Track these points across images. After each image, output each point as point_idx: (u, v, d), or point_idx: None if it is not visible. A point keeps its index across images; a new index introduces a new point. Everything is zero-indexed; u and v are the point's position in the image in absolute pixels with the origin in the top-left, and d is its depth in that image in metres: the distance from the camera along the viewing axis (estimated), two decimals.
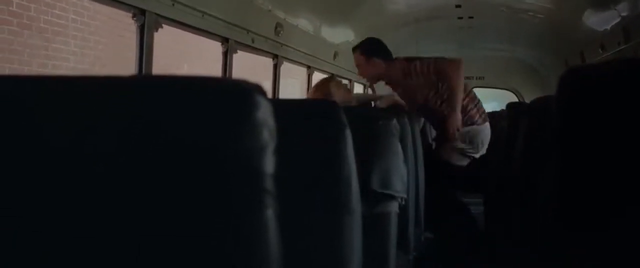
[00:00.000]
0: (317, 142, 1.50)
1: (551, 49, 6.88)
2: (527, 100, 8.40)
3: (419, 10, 5.80)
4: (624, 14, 4.06)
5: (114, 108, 0.88)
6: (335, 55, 5.45)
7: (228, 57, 3.21)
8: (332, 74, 5.80)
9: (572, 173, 0.99)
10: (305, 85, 4.99)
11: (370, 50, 3.76)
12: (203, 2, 2.80)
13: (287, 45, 4.07)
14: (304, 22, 4.36)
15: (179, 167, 0.84)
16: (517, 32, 6.58)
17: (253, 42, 3.48)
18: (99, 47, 5.90)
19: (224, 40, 3.17)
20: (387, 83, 3.91)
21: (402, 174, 2.10)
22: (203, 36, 2.97)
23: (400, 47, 7.37)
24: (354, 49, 3.85)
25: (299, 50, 4.41)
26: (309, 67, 4.88)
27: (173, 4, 2.54)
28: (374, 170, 2.00)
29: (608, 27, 4.54)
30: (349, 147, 1.50)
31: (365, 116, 2.13)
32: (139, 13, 2.35)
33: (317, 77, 5.27)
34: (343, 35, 5.60)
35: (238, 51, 3.32)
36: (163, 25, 2.51)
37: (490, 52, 7.00)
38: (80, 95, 0.86)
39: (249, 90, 0.89)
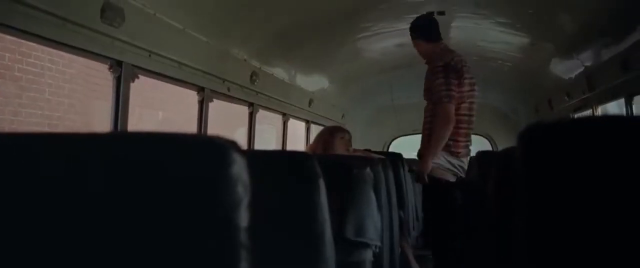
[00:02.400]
0: (292, 193, 1.53)
1: (521, 96, 7.07)
2: (499, 146, 8.57)
3: (394, 59, 5.94)
4: (587, 64, 4.23)
5: (95, 164, 0.90)
6: (311, 102, 5.53)
7: (204, 105, 3.25)
8: (308, 120, 5.87)
9: (538, 224, 1.07)
10: (281, 132, 5.03)
11: (417, 31, 3.73)
12: (180, 53, 2.85)
13: (262, 93, 4.13)
14: (279, 71, 4.43)
15: (156, 221, 0.86)
16: (488, 80, 6.74)
17: (229, 90, 3.53)
18: (75, 95, 5.90)
19: (200, 90, 3.21)
20: (427, 62, 3.68)
21: (375, 222, 2.13)
22: (179, 86, 3.01)
23: (374, 92, 7.53)
24: (413, 32, 3.78)
25: (275, 98, 4.47)
26: (284, 114, 4.93)
27: (150, 55, 2.58)
28: (349, 219, 2.03)
29: (572, 76, 4.70)
30: (322, 197, 1.53)
31: (339, 165, 2.17)
32: (116, 64, 2.38)
33: (292, 123, 5.33)
34: (318, 83, 5.70)
35: (214, 100, 3.37)
36: (139, 75, 2.54)
37: None
38: (66, 151, 0.89)
39: (224, 147, 0.93)
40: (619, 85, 3.74)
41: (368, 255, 2.08)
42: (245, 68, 3.76)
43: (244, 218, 0.89)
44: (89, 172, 0.91)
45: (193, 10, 2.88)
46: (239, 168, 0.92)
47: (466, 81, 3.48)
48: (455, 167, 3.51)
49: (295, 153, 1.63)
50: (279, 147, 5.12)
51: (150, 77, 2.67)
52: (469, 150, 3.64)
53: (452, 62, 3.46)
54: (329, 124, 6.98)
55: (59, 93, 5.81)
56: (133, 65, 2.47)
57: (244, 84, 3.77)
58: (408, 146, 8.78)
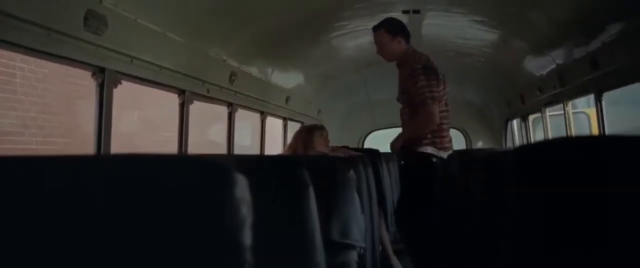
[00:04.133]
0: (282, 201, 1.57)
1: (495, 91, 7.21)
2: (473, 139, 8.72)
3: (369, 56, 5.99)
4: (558, 61, 4.34)
5: (102, 187, 0.93)
6: (288, 99, 5.57)
7: (185, 108, 3.26)
8: (285, 118, 5.91)
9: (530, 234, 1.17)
10: (259, 129, 5.06)
11: (395, 29, 3.74)
12: (160, 57, 2.86)
13: (241, 93, 4.15)
14: (257, 70, 4.46)
15: (160, 244, 0.90)
16: (463, 75, 6.86)
17: (208, 92, 3.54)
18: (48, 95, 5.82)
19: (181, 92, 3.22)
20: (398, 64, 3.82)
21: (359, 223, 2.19)
22: (160, 89, 3.02)
23: (350, 88, 7.59)
24: (378, 27, 3.76)
25: (253, 97, 4.49)
26: (262, 113, 4.95)
27: (131, 61, 2.59)
28: (334, 221, 2.08)
29: (544, 72, 4.83)
30: (312, 204, 1.58)
31: (324, 168, 2.22)
32: (99, 71, 2.38)
33: (270, 120, 5.36)
34: (295, 80, 5.73)
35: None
36: (122, 81, 2.55)
37: None
38: (70, 173, 0.92)
39: (226, 168, 0.97)
40: (589, 81, 3.86)
41: (353, 256, 2.13)
42: (225, 68, 3.78)
43: (248, 237, 0.93)
44: (94, 195, 0.94)
45: (173, 13, 2.89)
46: (242, 189, 0.96)
47: (442, 80, 3.68)
48: (442, 158, 3.64)
49: (285, 161, 1.67)
50: (257, 144, 5.15)
51: (132, 82, 2.67)
52: (451, 143, 3.80)
53: (428, 63, 3.63)
54: (305, 120, 7.03)
55: (32, 93, 5.73)
56: (116, 71, 2.48)
57: (223, 85, 3.78)
58: (384, 140, 8.91)
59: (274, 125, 5.73)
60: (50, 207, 0.93)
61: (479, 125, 8.59)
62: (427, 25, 4.82)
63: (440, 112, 3.60)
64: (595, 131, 7.37)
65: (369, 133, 8.96)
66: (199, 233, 0.93)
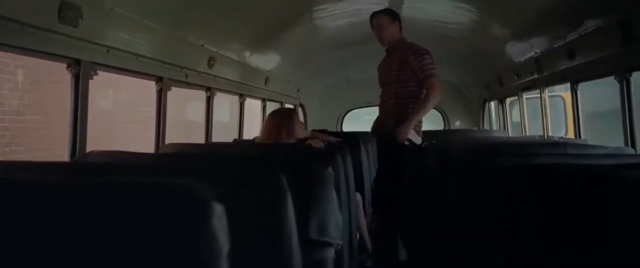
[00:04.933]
0: (259, 207, 1.57)
1: (473, 72, 7.24)
2: (451, 118, 8.79)
3: (348, 36, 5.97)
4: (536, 49, 4.38)
5: (80, 216, 0.93)
6: (267, 80, 5.54)
7: (163, 95, 3.23)
8: (264, 98, 5.88)
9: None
10: (237, 111, 5.04)
11: (394, 16, 4.09)
12: (138, 45, 2.82)
13: (220, 77, 4.11)
14: (236, 53, 4.41)
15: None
16: (442, 56, 6.87)
17: (187, 77, 3.51)
18: (20, 72, 5.71)
19: (159, 79, 3.18)
20: (390, 49, 4.15)
21: (337, 220, 2.20)
22: (137, 77, 2.98)
23: (329, 67, 7.57)
24: (378, 12, 4.09)
25: (232, 80, 4.46)
26: (240, 95, 4.93)
27: (108, 50, 2.55)
28: (311, 219, 2.09)
29: (522, 59, 4.86)
30: (290, 210, 1.58)
31: (301, 165, 2.22)
32: (74, 63, 2.34)
33: (249, 101, 5.34)
34: (274, 61, 5.69)
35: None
36: (98, 71, 2.51)
37: None
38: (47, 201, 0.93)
39: (204, 199, 0.97)
40: (565, 71, 3.91)
41: (330, 253, 2.15)
42: (203, 53, 3.74)
43: (225, 244, 0.94)
44: (76, 222, 0.94)
45: (149, 1, 2.83)
46: (219, 219, 0.97)
47: None
48: (417, 141, 3.98)
49: (263, 167, 1.67)
50: (235, 123, 5.13)
51: (108, 71, 2.63)
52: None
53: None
54: (285, 100, 7.01)
55: (4, 70, 5.61)
56: (92, 62, 2.44)
57: (202, 69, 3.75)
58: (362, 118, 8.93)
59: (253, 101, 5.69)
60: (29, 234, 0.94)
61: (457, 105, 8.65)
62: (408, 8, 4.80)
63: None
64: (570, 115, 7.49)
65: (348, 111, 8.98)
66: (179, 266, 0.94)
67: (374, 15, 4.09)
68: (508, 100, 6.60)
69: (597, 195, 1.42)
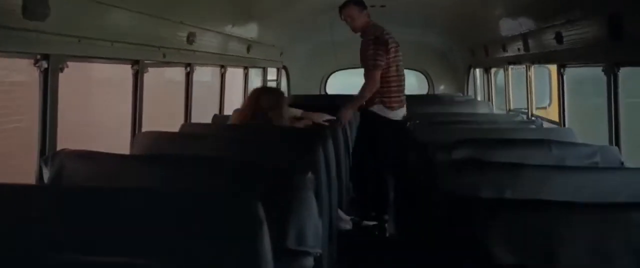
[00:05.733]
0: (235, 237, 1.52)
1: (458, 37, 7.14)
2: (435, 82, 8.73)
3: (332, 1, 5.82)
4: (524, 27, 4.28)
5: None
6: (249, 48, 5.39)
7: (139, 78, 3.11)
8: (246, 66, 5.75)
9: None
10: (218, 83, 4.92)
11: (361, 4, 4.41)
12: (112, 31, 2.69)
13: (200, 51, 3.98)
14: (217, 25, 4.26)
15: None
16: (427, 21, 6.77)
17: (164, 56, 3.38)
18: None
19: (134, 63, 3.06)
20: (361, 35, 4.44)
21: (317, 228, 2.16)
22: (112, 63, 2.86)
23: (314, 31, 7.41)
24: (344, 5, 4.42)
25: (213, 53, 4.33)
26: (222, 67, 4.80)
27: (79, 40, 2.42)
28: (289, 228, 2.04)
29: (509, 34, 4.77)
30: (266, 241, 1.53)
31: (280, 171, 2.17)
32: (42, 58, 2.22)
33: (230, 71, 5.22)
34: (257, 28, 5.54)
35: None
36: (68, 64, 2.39)
37: (402, 36, 7.10)
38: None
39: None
40: (553, 53, 3.84)
41: (309, 262, 2.12)
42: (182, 30, 3.60)
43: None
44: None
45: None
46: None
47: (392, 49, 4.31)
48: (388, 116, 4.34)
49: (240, 198, 1.60)
50: (215, 97, 5.03)
51: (80, 62, 2.52)
52: (403, 103, 4.42)
53: (381, 35, 4.29)
54: (268, 64, 6.87)
55: None
56: (62, 55, 2.32)
57: (181, 46, 3.62)
58: (345, 80, 8.83)
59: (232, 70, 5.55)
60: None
61: (441, 69, 8.58)
62: None
63: (391, 76, 4.30)
64: (554, 86, 7.46)
65: (332, 73, 8.86)
66: None
67: (343, 7, 4.41)
68: (493, 70, 6.54)
69: None
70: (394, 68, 4.30)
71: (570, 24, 3.35)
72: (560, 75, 3.84)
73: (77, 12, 2.35)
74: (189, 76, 3.93)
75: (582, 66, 3.57)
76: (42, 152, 2.29)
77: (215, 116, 4.09)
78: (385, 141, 4.36)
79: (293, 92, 8.06)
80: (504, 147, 2.76)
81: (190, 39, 3.71)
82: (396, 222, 4.42)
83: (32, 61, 2.21)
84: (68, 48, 2.36)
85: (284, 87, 7.98)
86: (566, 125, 3.82)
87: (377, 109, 4.31)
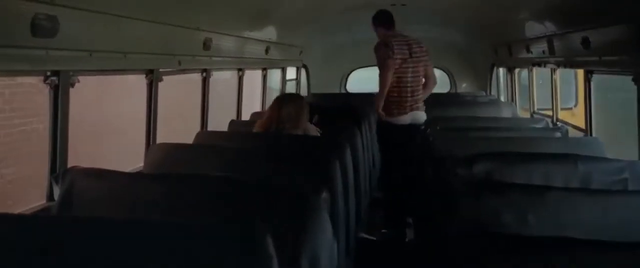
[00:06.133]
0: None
1: (481, 36, 6.98)
2: (457, 79, 8.58)
3: (351, 1, 5.72)
4: (551, 30, 4.15)
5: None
6: (268, 49, 5.32)
7: (153, 87, 3.07)
8: (265, 67, 5.69)
9: None
10: (236, 87, 4.87)
11: (375, 20, 4.76)
12: (124, 42, 2.64)
13: (217, 56, 3.93)
14: (234, 28, 4.20)
15: None
16: (449, 19, 6.64)
17: (180, 64, 3.34)
18: None
19: (149, 72, 3.02)
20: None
21: (331, 250, 2.10)
22: (125, 74, 2.82)
23: (333, 30, 7.31)
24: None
25: (231, 57, 4.27)
26: (239, 70, 4.74)
27: (90, 54, 2.38)
28: (303, 254, 1.98)
29: (534, 35, 4.63)
30: None
31: (293, 192, 2.10)
32: (52, 74, 2.18)
33: (248, 74, 5.16)
34: (275, 28, 5.47)
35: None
36: (79, 78, 2.35)
37: (423, 33, 6.99)
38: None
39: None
40: (580, 59, 3.70)
41: None
42: (198, 36, 3.54)
43: None
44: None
45: None
46: None
47: (398, 58, 4.41)
48: (389, 120, 4.51)
49: (248, 229, 1.53)
50: (233, 101, 4.98)
51: (92, 75, 2.48)
52: (406, 109, 4.47)
53: (388, 41, 4.48)
54: (287, 64, 6.81)
55: None
56: (72, 70, 2.27)
57: (197, 53, 3.57)
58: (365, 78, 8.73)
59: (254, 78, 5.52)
60: None
61: (463, 66, 8.41)
62: None
63: (392, 86, 4.42)
64: (580, 86, 7.26)
65: (352, 70, 8.76)
66: None
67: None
68: (517, 70, 6.38)
69: None
70: (394, 79, 4.43)
71: (598, 30, 3.22)
72: (587, 81, 3.70)
73: (87, 25, 2.31)
74: (205, 82, 3.88)
75: (610, 74, 3.41)
76: (52, 169, 2.25)
77: (232, 122, 4.03)
78: (390, 145, 4.60)
79: (313, 91, 7.99)
80: (527, 162, 2.65)
81: (207, 44, 3.66)
82: (415, 230, 4.36)
83: (42, 78, 2.17)
84: (79, 63, 2.32)
85: (303, 85, 7.92)
86: (593, 134, 3.69)
87: (382, 113, 4.53)
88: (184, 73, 3.53)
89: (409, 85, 4.47)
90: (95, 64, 2.43)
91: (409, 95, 4.46)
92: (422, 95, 4.55)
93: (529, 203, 2.03)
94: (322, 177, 2.58)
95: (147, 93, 3.06)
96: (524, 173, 2.59)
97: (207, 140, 3.25)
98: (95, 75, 2.52)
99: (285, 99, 3.53)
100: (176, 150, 2.80)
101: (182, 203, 2.07)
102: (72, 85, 2.30)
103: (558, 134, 3.72)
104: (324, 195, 2.11)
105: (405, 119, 4.46)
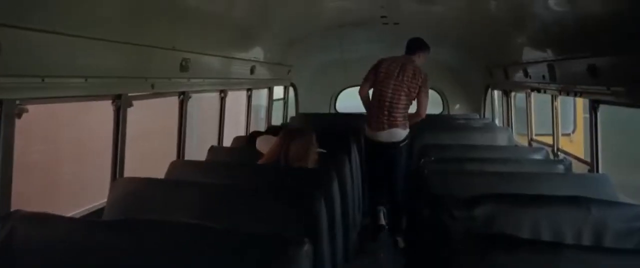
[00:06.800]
0: None
1: (475, 57, 6.76)
2: (450, 100, 8.34)
3: (343, 18, 5.48)
4: (551, 56, 3.91)
5: None
6: (253, 69, 5.04)
7: (121, 114, 2.78)
8: (250, 88, 5.41)
9: None
10: (218, 109, 4.57)
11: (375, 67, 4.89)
12: (86, 65, 2.35)
13: (196, 77, 3.64)
14: (215, 48, 3.92)
15: None
16: (442, 38, 6.41)
17: (153, 87, 3.05)
18: None
19: (116, 97, 2.73)
20: None
21: None
22: (86, 101, 2.53)
23: (322, 48, 7.07)
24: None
25: (212, 78, 3.99)
26: (221, 91, 4.46)
27: (42, 80, 2.09)
28: None
29: (532, 59, 4.40)
30: None
31: (273, 245, 1.82)
32: None
33: (231, 95, 4.88)
34: (262, 47, 5.21)
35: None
36: (28, 107, 2.06)
37: None
38: None
39: None
40: (585, 87, 3.46)
41: None
42: (174, 56, 3.26)
43: None
44: None
45: (101, 15, 2.36)
46: None
47: (382, 71, 4.73)
48: (366, 134, 4.91)
49: None
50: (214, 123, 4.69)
51: (43, 103, 2.18)
52: (381, 127, 4.70)
53: (381, 61, 4.83)
54: (275, 84, 6.54)
55: None
56: (19, 99, 1.98)
57: (173, 75, 3.28)
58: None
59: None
60: None
61: (456, 87, 8.17)
62: None
63: (380, 92, 4.69)
64: (579, 111, 7.04)
65: (341, 90, 8.49)
66: None
67: None
68: (513, 93, 6.15)
69: None
70: (377, 88, 4.75)
71: (608, 57, 2.98)
72: (593, 111, 3.45)
73: (38, 47, 2.02)
74: (182, 106, 3.59)
75: (619, 105, 3.16)
76: None
77: (212, 149, 3.72)
78: (371, 162, 4.90)
79: (301, 111, 7.72)
80: (533, 205, 2.38)
81: (184, 65, 3.37)
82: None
83: None
84: (27, 90, 2.02)
85: (291, 104, 7.66)
86: (600, 170, 3.43)
87: (365, 128, 4.90)
88: (159, 97, 3.24)
89: (387, 100, 4.67)
90: (49, 90, 2.14)
91: (386, 110, 4.67)
92: (402, 115, 4.69)
93: (539, 263, 1.77)
94: (306, 218, 2.32)
95: (114, 120, 2.77)
96: (531, 218, 2.32)
97: (181, 172, 2.96)
98: (49, 103, 2.22)
99: (293, 135, 3.27)
100: (144, 185, 2.51)
101: (137, 259, 1.79)
102: (19, 115, 2.00)
103: (561, 167, 3.45)
104: (306, 247, 1.82)
105: (382, 136, 4.71)
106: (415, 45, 4.88)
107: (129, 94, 2.82)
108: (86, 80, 2.38)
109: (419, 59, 4.86)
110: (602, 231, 2.30)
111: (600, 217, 2.31)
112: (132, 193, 2.46)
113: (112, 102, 2.72)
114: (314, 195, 2.42)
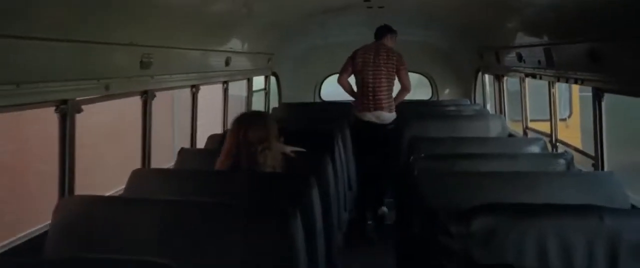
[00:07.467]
0: None
1: (465, 39, 6.44)
2: (439, 85, 8.03)
3: (325, 3, 5.14)
4: (545, 38, 3.60)
5: None
6: (228, 60, 4.69)
7: (68, 121, 2.45)
8: (226, 81, 5.07)
9: None
10: (190, 105, 4.24)
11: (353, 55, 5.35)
12: (17, 68, 2.02)
13: (160, 74, 3.30)
14: (182, 40, 3.56)
15: None
16: (430, 20, 6.10)
17: (107, 89, 2.71)
18: None
19: (61, 103, 2.39)
20: None
21: None
22: (18, 111, 2.19)
23: (304, 34, 6.72)
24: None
25: (179, 74, 3.65)
26: (193, 87, 4.12)
27: None
28: None
29: (528, 41, 4.09)
30: None
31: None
32: None
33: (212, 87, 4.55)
34: (238, 38, 4.85)
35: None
36: None
37: (402, 37, 6.45)
38: None
39: None
40: (586, 74, 3.16)
41: None
42: (133, 52, 2.92)
43: None
44: None
45: (35, 8, 2.02)
46: None
47: (359, 61, 5.20)
48: (356, 115, 5.29)
49: None
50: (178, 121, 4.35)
51: None
52: (367, 109, 5.15)
53: (357, 51, 5.30)
54: (254, 74, 6.19)
55: None
56: None
57: (132, 73, 2.95)
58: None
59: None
60: None
61: (446, 72, 7.85)
62: None
63: (363, 80, 5.15)
64: (575, 95, 6.77)
65: (325, 77, 8.15)
66: None
67: None
68: (505, 77, 5.85)
69: None
70: (358, 77, 5.20)
71: (610, 42, 2.68)
72: (597, 100, 3.15)
73: None
74: (146, 106, 3.26)
75: (627, 95, 2.87)
76: None
77: (182, 151, 3.39)
78: (360, 145, 5.07)
79: (284, 100, 7.39)
80: (539, 216, 2.09)
81: (146, 61, 3.03)
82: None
83: None
84: None
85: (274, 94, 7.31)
86: (605, 168, 3.15)
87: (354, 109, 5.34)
88: (115, 98, 2.90)
89: (370, 85, 5.11)
90: None
91: (370, 95, 5.10)
92: (386, 97, 5.11)
93: None
94: (282, 241, 2.05)
95: (59, 129, 2.43)
96: (536, 232, 2.04)
97: (143, 184, 2.64)
98: None
99: (247, 120, 2.89)
100: (96, 205, 2.20)
101: None
102: None
103: (562, 163, 3.17)
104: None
105: (369, 116, 5.13)
106: (382, 31, 5.32)
107: (77, 99, 2.47)
108: (17, 86, 2.04)
109: (389, 42, 5.30)
110: (616, 244, 2.02)
111: (614, 228, 2.03)
112: (81, 215, 2.14)
113: (56, 110, 2.38)
114: (288, 212, 2.12)
